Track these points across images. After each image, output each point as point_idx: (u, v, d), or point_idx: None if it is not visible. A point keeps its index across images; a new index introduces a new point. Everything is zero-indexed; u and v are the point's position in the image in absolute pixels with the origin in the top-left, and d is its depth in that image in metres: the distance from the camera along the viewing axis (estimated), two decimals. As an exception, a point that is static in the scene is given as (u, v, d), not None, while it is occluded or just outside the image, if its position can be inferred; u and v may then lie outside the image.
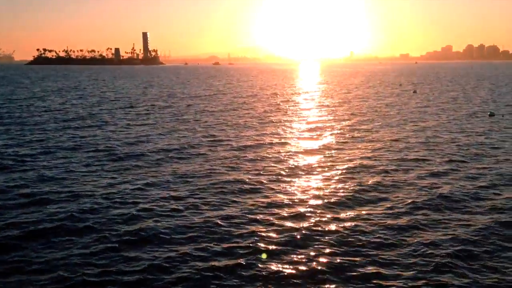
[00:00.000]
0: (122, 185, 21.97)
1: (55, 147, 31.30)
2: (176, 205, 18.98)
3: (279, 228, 16.58)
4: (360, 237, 15.88)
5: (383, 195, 20.59)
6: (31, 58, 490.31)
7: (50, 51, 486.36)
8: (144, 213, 17.95)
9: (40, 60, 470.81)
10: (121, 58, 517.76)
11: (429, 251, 14.74)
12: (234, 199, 20.01)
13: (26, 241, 15.21)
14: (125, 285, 12.49)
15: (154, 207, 18.74)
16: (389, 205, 19.22)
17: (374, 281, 12.91)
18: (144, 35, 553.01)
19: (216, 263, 13.78)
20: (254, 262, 13.95)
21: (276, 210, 18.46)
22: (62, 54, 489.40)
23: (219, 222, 17.10)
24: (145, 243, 15.23)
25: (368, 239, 15.73)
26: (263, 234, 16.03)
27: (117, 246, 14.92)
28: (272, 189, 21.44)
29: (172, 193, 20.61)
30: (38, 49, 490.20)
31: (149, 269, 13.34)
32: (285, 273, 13.29)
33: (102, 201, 19.31)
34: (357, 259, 14.24)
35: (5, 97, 73.31)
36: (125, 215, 17.78)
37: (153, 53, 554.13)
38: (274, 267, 13.66)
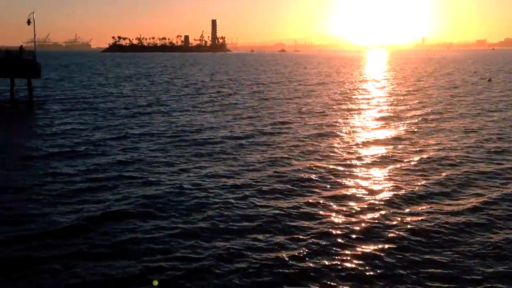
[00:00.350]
0: (189, 172, 22.35)
1: (125, 132, 32.42)
2: (241, 194, 19.03)
3: (343, 221, 16.21)
4: (428, 233, 15.21)
5: (455, 189, 19.61)
6: (107, 46, 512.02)
7: (124, 38, 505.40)
8: (209, 201, 18.15)
9: (115, 48, 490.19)
10: (190, 45, 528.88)
11: (503, 250, 13.87)
12: (300, 189, 19.77)
13: (93, 225, 15.64)
14: (188, 272, 12.64)
15: (219, 195, 18.89)
16: (461, 200, 18.29)
17: (443, 281, 12.32)
18: (213, 22, 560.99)
19: (279, 254, 13.66)
20: (317, 254, 13.71)
21: (341, 202, 18.06)
22: (135, 41, 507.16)
23: (284, 212, 16.97)
24: (209, 231, 15.35)
25: (438, 235, 15.04)
26: (327, 226, 15.74)
27: (181, 233, 15.15)
28: (339, 180, 20.98)
29: (237, 181, 20.71)
30: (113, 37, 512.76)
31: (212, 258, 13.44)
32: (347, 267, 12.95)
33: (169, 188, 19.70)
34: (424, 256, 13.64)
35: (82, 84, 76.98)
36: (190, 202, 18.06)
37: (220, 40, 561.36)
38: (336, 260, 13.36)
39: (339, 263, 13.18)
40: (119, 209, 16.95)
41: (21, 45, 53.35)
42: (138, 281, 12.09)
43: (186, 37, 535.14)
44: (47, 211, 16.72)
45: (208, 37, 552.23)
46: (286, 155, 25.62)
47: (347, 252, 13.86)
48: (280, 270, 12.77)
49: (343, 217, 16.55)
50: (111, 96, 56.47)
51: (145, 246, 14.11)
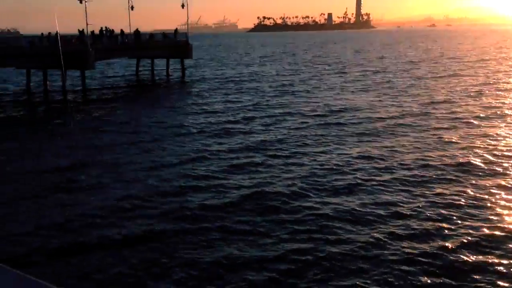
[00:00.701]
0: (333, 153, 21.79)
1: (270, 112, 32.78)
2: (389, 177, 17.99)
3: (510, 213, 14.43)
4: None
5: None
6: (252, 26, 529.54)
7: (268, 18, 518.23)
8: (355, 183, 17.43)
9: (260, 28, 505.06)
10: (333, 23, 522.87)
11: None
12: (455, 177, 18.04)
13: (239, 202, 15.77)
14: (332, 255, 12.18)
15: (366, 177, 18.05)
16: None
17: None
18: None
19: (430, 245, 12.57)
20: (472, 248, 12.33)
21: (507, 193, 16.11)
22: (279, 21, 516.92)
23: (436, 200, 15.65)
24: (355, 215, 14.68)
25: None
26: (487, 220, 14.12)
27: (326, 215, 14.68)
28: (502, 168, 18.76)
29: (385, 164, 19.62)
30: (258, 17, 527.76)
31: (358, 243, 12.81)
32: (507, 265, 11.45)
33: (314, 169, 19.27)
34: None
35: (229, 64, 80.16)
36: (335, 184, 17.51)
37: (365, 17, 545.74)
38: (496, 257, 11.87)
39: (499, 260, 11.68)
40: (263, 189, 17.05)
41: (176, 28, 57.07)
42: (281, 261, 11.99)
43: (330, 15, 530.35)
44: (198, 186, 17.48)
45: (352, 14, 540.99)
46: (438, 139, 23.72)
47: (493, 254, 12.20)
48: (430, 261, 11.75)
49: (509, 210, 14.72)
50: (256, 75, 57.84)
51: (289, 226, 13.97)
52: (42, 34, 42.29)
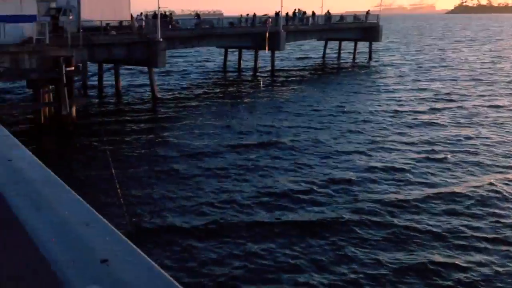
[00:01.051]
0: None
1: (461, 102, 29.99)
2: None
3: None
4: None
5: None
6: (452, 7, 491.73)
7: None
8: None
9: (460, 9, 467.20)
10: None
11: None
12: None
13: (410, 202, 14.75)
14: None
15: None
16: None
17: None
18: None
19: None
20: None
21: None
22: (483, 2, 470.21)
23: None
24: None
25: None
26: None
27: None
28: None
29: None
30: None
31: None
32: None
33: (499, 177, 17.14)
34: None
35: (420, 48, 75.50)
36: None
37: None
38: None
39: None
40: (448, 189, 15.72)
41: (368, 10, 55.51)
42: (457, 269, 10.99)
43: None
44: (373, 179, 16.74)
45: None
46: None
47: None
48: None
49: None
50: (451, 62, 53.47)
51: (473, 234, 12.62)
52: (241, 15, 44.88)
